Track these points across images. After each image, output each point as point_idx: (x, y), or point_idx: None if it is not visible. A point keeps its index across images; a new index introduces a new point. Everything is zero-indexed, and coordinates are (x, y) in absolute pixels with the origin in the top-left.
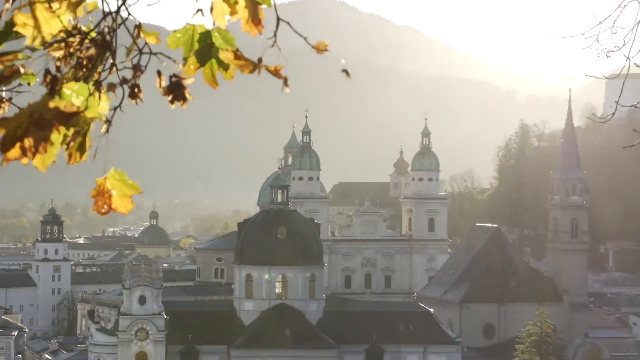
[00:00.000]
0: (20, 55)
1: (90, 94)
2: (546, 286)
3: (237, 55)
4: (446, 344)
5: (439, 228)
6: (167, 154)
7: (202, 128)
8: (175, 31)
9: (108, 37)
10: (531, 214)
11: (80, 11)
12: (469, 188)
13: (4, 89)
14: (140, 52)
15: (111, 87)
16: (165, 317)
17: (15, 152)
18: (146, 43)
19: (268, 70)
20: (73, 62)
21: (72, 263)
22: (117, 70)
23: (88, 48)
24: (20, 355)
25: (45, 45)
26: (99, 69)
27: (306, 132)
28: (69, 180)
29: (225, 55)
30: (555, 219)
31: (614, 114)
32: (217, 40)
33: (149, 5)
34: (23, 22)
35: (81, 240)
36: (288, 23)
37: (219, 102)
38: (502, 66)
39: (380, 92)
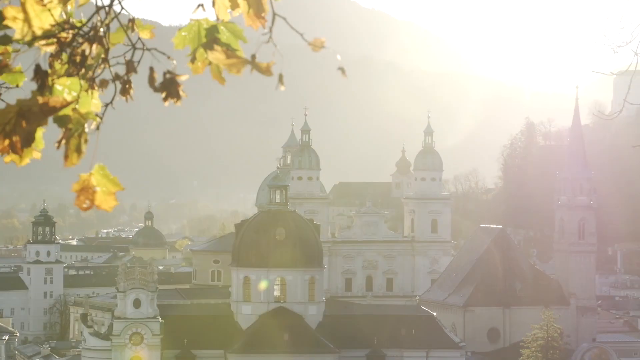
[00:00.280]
0: (9, 49)
1: (83, 90)
2: (552, 289)
3: (229, 55)
4: (449, 348)
5: (442, 229)
6: (163, 153)
7: (198, 126)
8: (180, 30)
9: (101, 32)
10: (537, 215)
11: (71, 4)
12: (473, 188)
13: None
14: (134, 47)
15: (103, 83)
16: (160, 320)
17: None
18: (139, 38)
19: (259, 67)
20: (64, 58)
21: (64, 265)
22: (110, 66)
23: (80, 43)
24: None
25: (36, 39)
26: (91, 63)
27: (305, 130)
28: (61, 180)
29: (215, 57)
30: (562, 220)
31: (621, 111)
32: (223, 34)
33: None
34: (13, 15)
35: (74, 242)
36: (284, 18)
37: (215, 99)
38: (507, 62)
39: (381, 89)
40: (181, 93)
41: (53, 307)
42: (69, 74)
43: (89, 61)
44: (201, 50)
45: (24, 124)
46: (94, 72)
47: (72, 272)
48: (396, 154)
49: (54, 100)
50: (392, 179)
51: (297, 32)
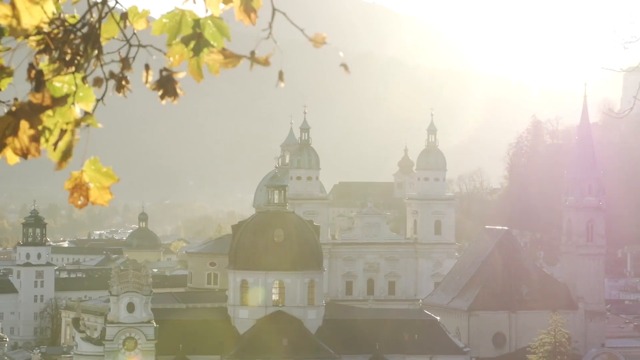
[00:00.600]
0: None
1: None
2: (560, 293)
3: (226, 55)
4: (453, 354)
5: (445, 231)
6: (157, 151)
7: (193, 124)
8: (162, 15)
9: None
10: (544, 216)
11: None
12: (477, 188)
13: None
14: (129, 43)
15: (97, 82)
16: (154, 325)
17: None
18: (134, 33)
19: (258, 60)
20: (56, 55)
21: (55, 268)
22: (103, 64)
23: (73, 40)
24: None
25: (26, 36)
26: (82, 62)
27: (305, 128)
28: (52, 180)
29: (213, 58)
30: (570, 221)
31: (631, 109)
32: (209, 29)
33: None
34: (4, 13)
35: (65, 244)
36: (284, 13)
37: (212, 96)
38: (513, 58)
39: (383, 87)
40: (178, 91)
41: (44, 312)
42: (59, 72)
43: (82, 58)
44: (180, 44)
45: (22, 123)
46: (85, 70)
47: (64, 275)
48: (398, 153)
49: (46, 99)
50: (394, 178)
51: (298, 28)
